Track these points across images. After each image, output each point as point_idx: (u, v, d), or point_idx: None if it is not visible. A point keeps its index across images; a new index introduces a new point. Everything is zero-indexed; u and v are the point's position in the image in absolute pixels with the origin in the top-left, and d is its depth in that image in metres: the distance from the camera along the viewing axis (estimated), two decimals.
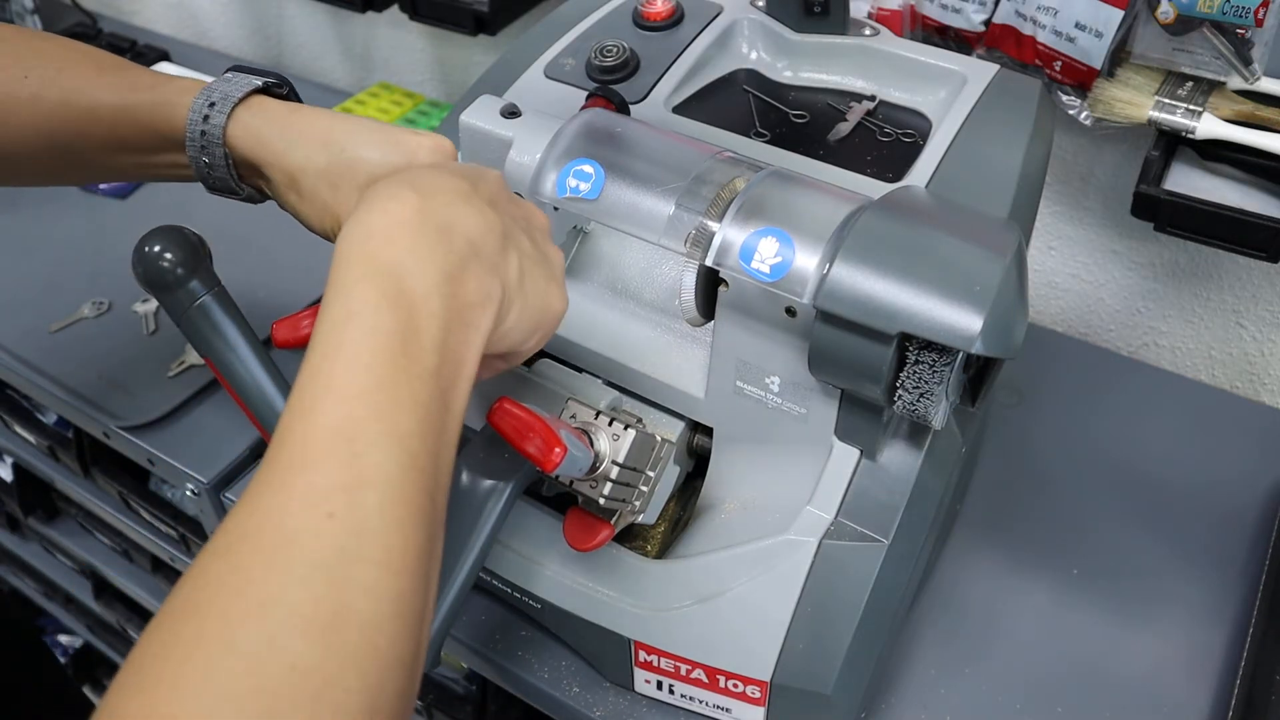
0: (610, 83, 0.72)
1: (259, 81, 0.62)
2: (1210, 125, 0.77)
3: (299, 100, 0.64)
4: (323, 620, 0.36)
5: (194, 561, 0.37)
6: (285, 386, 0.68)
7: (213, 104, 0.60)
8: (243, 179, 0.62)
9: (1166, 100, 0.78)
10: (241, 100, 0.60)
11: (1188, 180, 0.80)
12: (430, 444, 0.41)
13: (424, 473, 0.40)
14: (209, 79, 0.62)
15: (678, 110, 0.72)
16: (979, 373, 0.57)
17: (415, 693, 0.39)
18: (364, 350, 0.41)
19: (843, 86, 0.75)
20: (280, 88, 0.64)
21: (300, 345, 0.52)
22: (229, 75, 0.62)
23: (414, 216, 0.45)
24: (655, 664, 0.65)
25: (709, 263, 0.55)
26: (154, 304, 1.00)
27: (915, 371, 0.53)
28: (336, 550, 0.37)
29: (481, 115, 0.64)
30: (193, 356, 0.93)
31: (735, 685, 0.63)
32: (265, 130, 0.60)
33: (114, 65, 0.64)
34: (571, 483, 0.58)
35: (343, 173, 0.59)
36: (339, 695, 0.35)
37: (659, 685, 0.67)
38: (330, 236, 0.60)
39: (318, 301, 0.47)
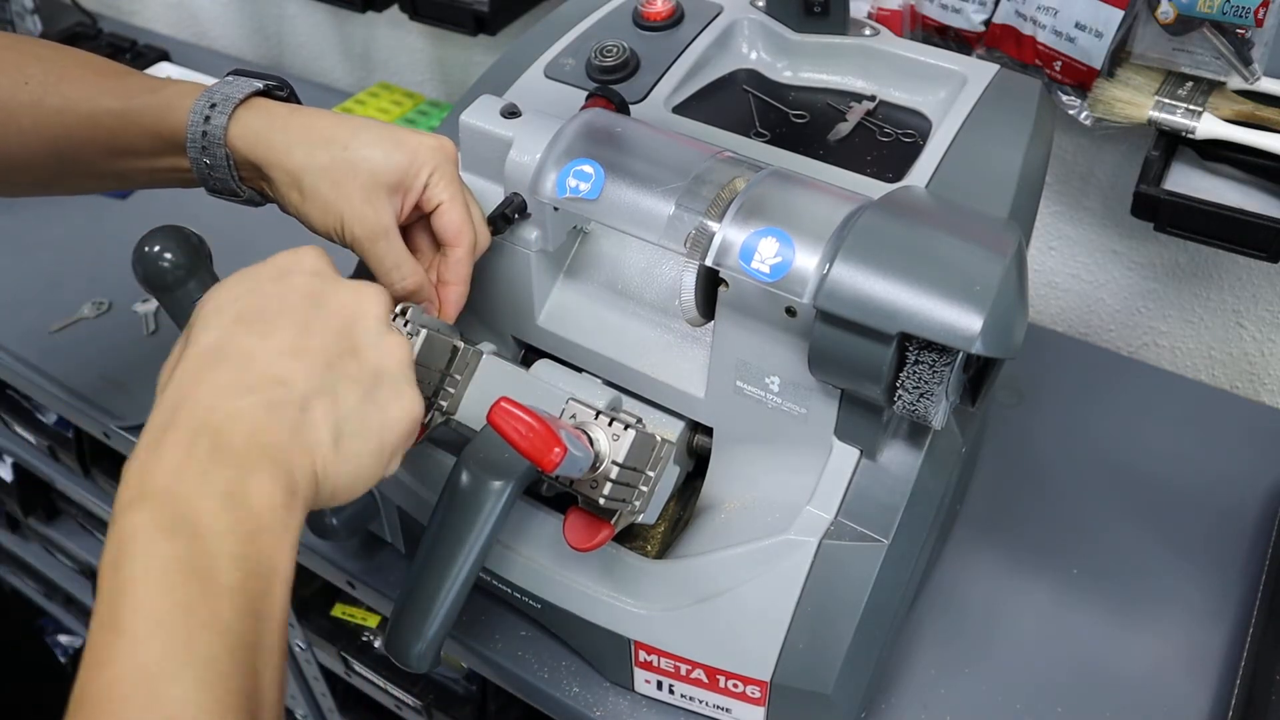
0: (610, 83, 0.72)
1: (260, 84, 0.62)
2: (1210, 125, 0.77)
3: (299, 103, 0.64)
4: None
5: None
6: None
7: (214, 105, 0.60)
8: (244, 180, 0.62)
9: (1166, 100, 0.78)
10: (243, 101, 0.60)
11: (1188, 180, 0.80)
12: (245, 657, 0.39)
13: (240, 690, 0.38)
14: (210, 80, 0.62)
15: (678, 110, 0.72)
16: (979, 373, 0.57)
17: None
18: (149, 585, 0.38)
19: (843, 86, 0.75)
20: (280, 90, 0.64)
21: None
22: (229, 78, 0.62)
23: (186, 439, 0.42)
24: (655, 664, 0.65)
25: (709, 263, 0.55)
26: (154, 304, 1.00)
27: (915, 371, 0.53)
28: None
29: (481, 115, 0.64)
30: None
31: (735, 685, 0.63)
32: (267, 130, 0.60)
33: (114, 71, 0.64)
34: (571, 483, 0.58)
35: (345, 171, 0.59)
36: None
37: (659, 685, 0.67)
38: (333, 236, 0.60)
39: None
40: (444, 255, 0.62)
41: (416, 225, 0.63)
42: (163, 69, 1.36)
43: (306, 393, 0.45)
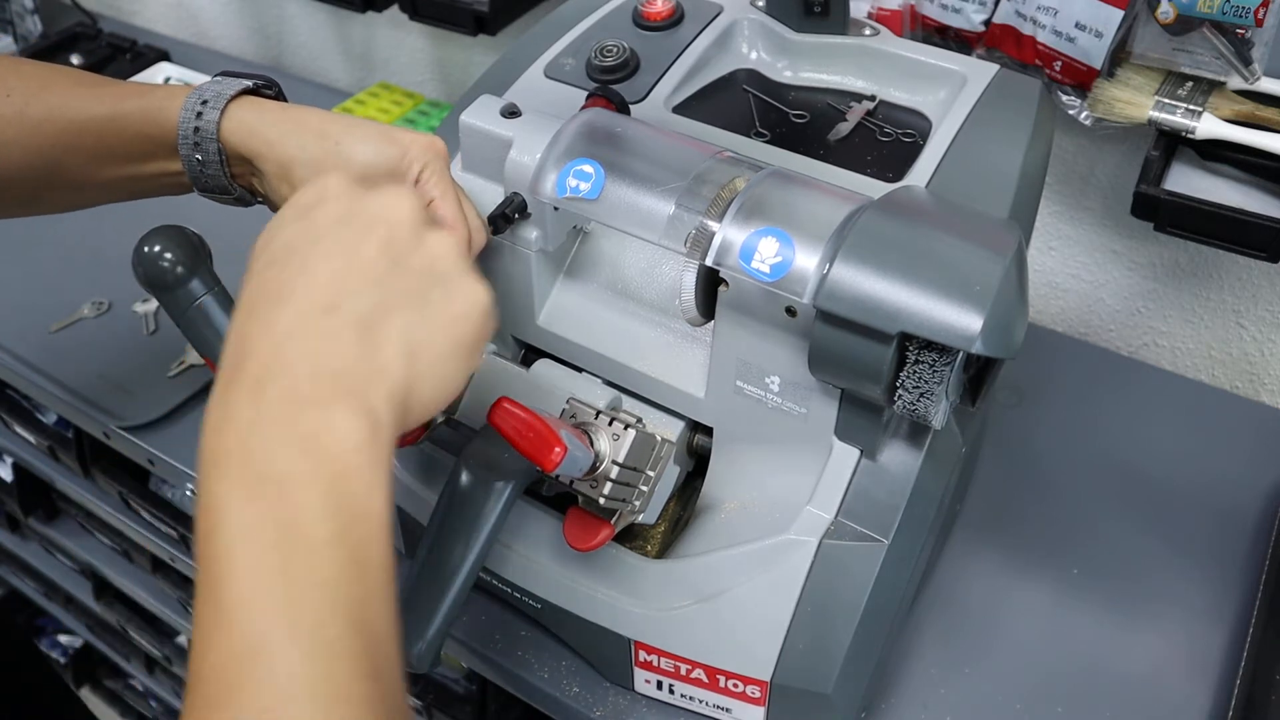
0: (610, 83, 0.72)
1: (249, 82, 0.63)
2: (1210, 125, 0.77)
3: (287, 101, 0.65)
4: None
5: None
6: None
7: (205, 101, 0.60)
8: (235, 178, 0.63)
9: (1166, 100, 0.78)
10: (234, 98, 0.61)
11: (1188, 180, 0.80)
12: (353, 614, 0.37)
13: (352, 652, 0.36)
14: (201, 78, 0.62)
15: (678, 110, 0.72)
16: (979, 373, 0.57)
17: None
18: (241, 554, 0.37)
19: (843, 86, 0.75)
20: (269, 89, 0.64)
21: None
22: (218, 78, 0.63)
23: (252, 392, 0.40)
24: (655, 664, 0.65)
25: (709, 263, 0.55)
26: (154, 304, 1.00)
27: (915, 371, 0.53)
28: None
29: (481, 115, 0.64)
30: (193, 356, 0.93)
31: (735, 685, 0.63)
32: (259, 123, 0.60)
33: (97, 80, 0.65)
34: (571, 483, 0.58)
35: (336, 165, 0.59)
36: None
37: (659, 685, 0.67)
38: None
39: None
40: None
41: None
42: (163, 69, 1.36)
43: (361, 314, 0.42)
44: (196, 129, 0.60)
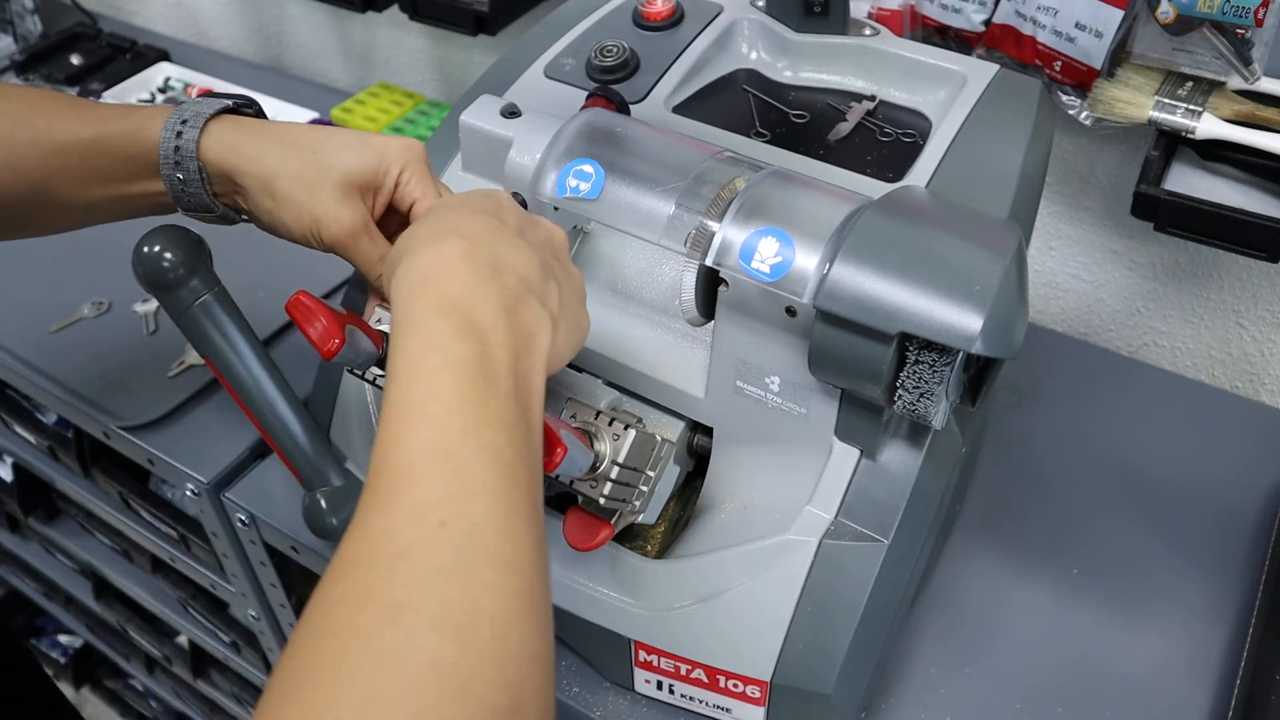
0: (610, 83, 0.72)
1: (229, 101, 0.64)
2: (1210, 125, 0.77)
3: (266, 119, 0.66)
4: (454, 620, 0.37)
5: (313, 594, 0.38)
6: (285, 386, 0.68)
7: (185, 121, 0.61)
8: (218, 196, 0.63)
9: (1166, 100, 0.78)
10: (213, 117, 0.62)
11: (1188, 180, 0.80)
12: (523, 457, 0.43)
13: (521, 483, 0.42)
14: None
15: (678, 110, 0.72)
16: (979, 373, 0.57)
17: (553, 692, 0.40)
18: (446, 377, 0.43)
19: (843, 86, 0.75)
20: (248, 107, 0.65)
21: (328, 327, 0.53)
22: (199, 98, 0.64)
23: (465, 256, 0.47)
24: (655, 664, 0.65)
25: (709, 263, 0.55)
26: (154, 304, 1.00)
27: (915, 371, 0.53)
28: (454, 554, 0.38)
29: (482, 115, 0.64)
30: (193, 356, 0.93)
31: (735, 685, 0.63)
32: (238, 140, 0.61)
33: (81, 103, 0.65)
34: (571, 483, 0.58)
35: (317, 174, 0.60)
36: (482, 689, 0.36)
37: (659, 685, 0.67)
38: (310, 240, 0.61)
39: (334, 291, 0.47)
40: None
41: (397, 231, 0.64)
42: (163, 69, 1.36)
43: (539, 253, 0.50)
44: (177, 148, 0.61)
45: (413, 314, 0.45)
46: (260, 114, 0.66)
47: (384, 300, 0.61)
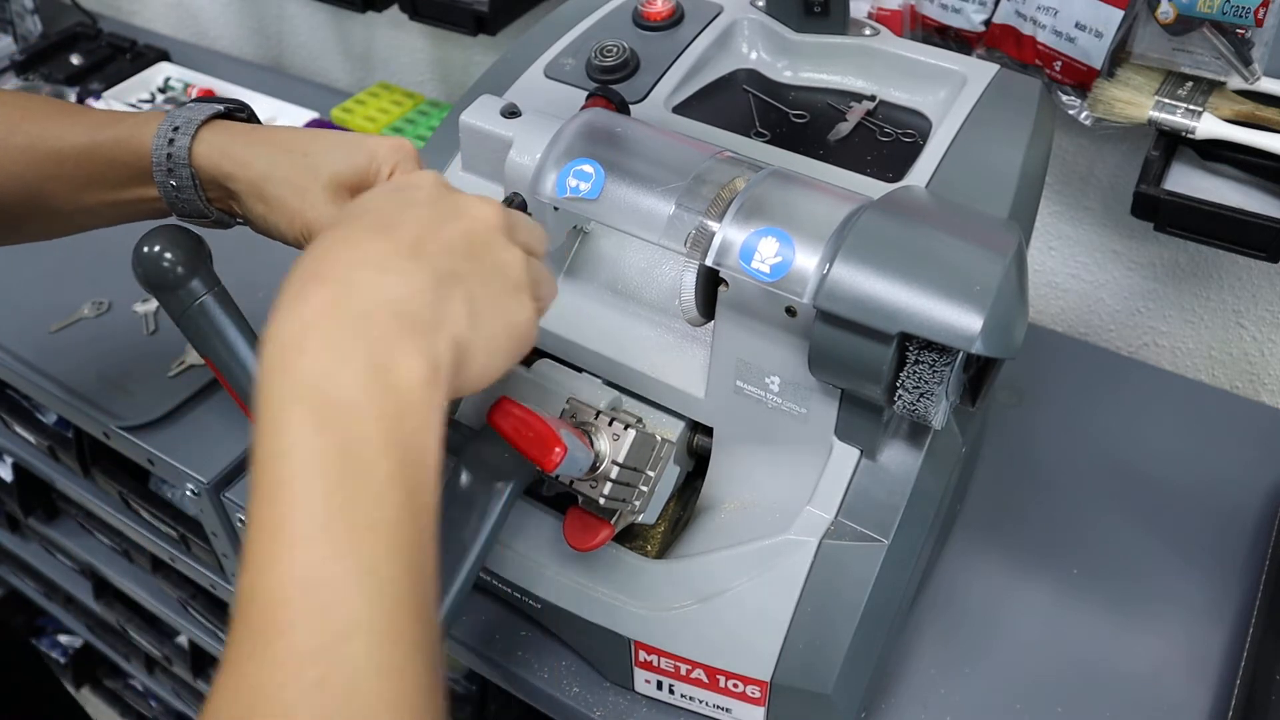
0: (610, 83, 0.72)
1: (221, 107, 0.64)
2: (1210, 125, 0.77)
3: (259, 124, 0.66)
4: None
5: None
6: None
7: (176, 128, 0.61)
8: (211, 201, 0.63)
9: (1166, 100, 0.78)
10: (205, 123, 0.62)
11: (1188, 180, 0.80)
12: (407, 555, 0.38)
13: (404, 600, 0.38)
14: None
15: (678, 110, 0.72)
16: (979, 373, 0.57)
17: None
18: (306, 484, 0.37)
19: (843, 86, 0.75)
20: (240, 112, 0.65)
21: None
22: (190, 104, 0.64)
23: (327, 311, 0.40)
24: (655, 664, 0.65)
25: (709, 263, 0.55)
26: (154, 304, 1.00)
27: (915, 371, 0.53)
28: (335, 710, 0.35)
29: (481, 115, 0.64)
30: (193, 356, 0.93)
31: (735, 685, 0.63)
32: (228, 145, 0.61)
33: (76, 109, 0.65)
34: (571, 483, 0.58)
35: (307, 176, 0.60)
36: None
37: (659, 685, 0.67)
38: (301, 244, 0.61)
39: None
40: None
41: None
42: (163, 69, 1.36)
43: (438, 269, 0.44)
44: (169, 155, 0.61)
45: (269, 402, 0.39)
46: (253, 118, 0.66)
47: None
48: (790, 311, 0.57)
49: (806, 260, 0.53)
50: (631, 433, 0.57)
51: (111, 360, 0.96)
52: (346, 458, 0.38)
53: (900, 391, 0.54)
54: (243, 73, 1.36)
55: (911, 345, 0.53)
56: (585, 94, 0.69)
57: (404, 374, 0.40)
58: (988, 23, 0.88)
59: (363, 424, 0.39)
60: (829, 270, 0.52)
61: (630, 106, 0.70)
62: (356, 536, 0.37)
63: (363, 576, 0.36)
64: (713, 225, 0.55)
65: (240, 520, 0.85)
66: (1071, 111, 0.86)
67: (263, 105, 1.25)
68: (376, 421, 0.39)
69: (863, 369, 0.53)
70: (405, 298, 0.42)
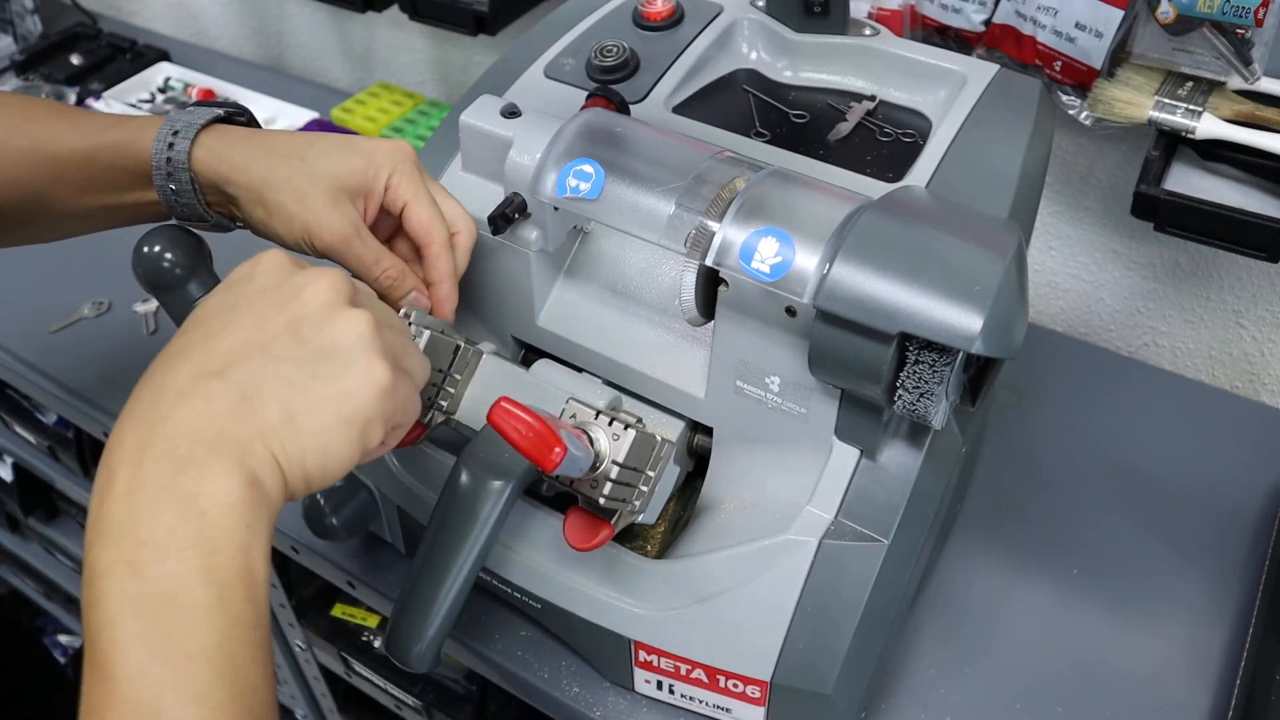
0: (610, 83, 0.72)
1: (220, 111, 0.64)
2: (1210, 125, 0.77)
3: (259, 128, 0.66)
4: None
5: None
6: None
7: (176, 132, 0.61)
8: (211, 205, 0.63)
9: (1166, 100, 0.78)
10: (204, 127, 0.62)
11: (1188, 180, 0.80)
12: (236, 677, 0.39)
13: (235, 713, 0.39)
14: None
15: (678, 110, 0.72)
16: (979, 373, 0.57)
17: None
18: (123, 627, 0.38)
19: (843, 86, 0.75)
20: (240, 115, 0.65)
21: None
22: (190, 108, 0.64)
23: (132, 452, 0.41)
24: (655, 664, 0.65)
25: (709, 263, 0.55)
26: (154, 304, 1.00)
27: (915, 371, 0.53)
28: None
29: (481, 115, 0.64)
30: None
31: (735, 685, 0.63)
32: (227, 150, 0.61)
33: (76, 112, 0.66)
34: (571, 483, 0.58)
35: (306, 181, 0.60)
36: None
37: (659, 685, 0.67)
38: (303, 247, 0.61)
39: None
40: (423, 255, 0.62)
41: (395, 235, 0.64)
42: (163, 69, 1.36)
43: (247, 380, 0.43)
44: (169, 159, 0.61)
45: (87, 548, 0.40)
46: (252, 122, 0.66)
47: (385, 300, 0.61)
48: (790, 311, 0.57)
49: (806, 260, 0.53)
50: (631, 433, 0.57)
51: (111, 360, 0.96)
52: (160, 596, 0.39)
53: (900, 391, 0.54)
54: (243, 73, 1.36)
55: (911, 345, 0.53)
56: (585, 94, 0.69)
57: (214, 499, 0.41)
58: (988, 23, 0.88)
59: (174, 559, 0.39)
60: (829, 270, 0.52)
61: (630, 106, 0.70)
62: (182, 670, 0.38)
63: (191, 705, 0.38)
64: (713, 225, 0.55)
65: None
66: (1071, 111, 0.86)
67: (263, 105, 1.25)
68: (190, 553, 0.39)
69: (863, 369, 0.53)
70: (208, 422, 0.42)
